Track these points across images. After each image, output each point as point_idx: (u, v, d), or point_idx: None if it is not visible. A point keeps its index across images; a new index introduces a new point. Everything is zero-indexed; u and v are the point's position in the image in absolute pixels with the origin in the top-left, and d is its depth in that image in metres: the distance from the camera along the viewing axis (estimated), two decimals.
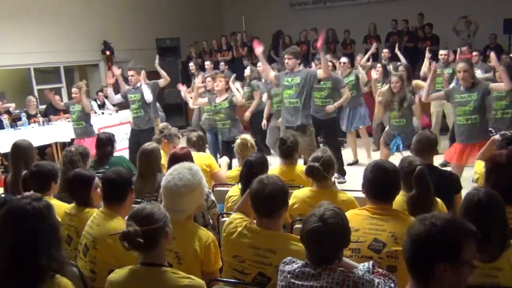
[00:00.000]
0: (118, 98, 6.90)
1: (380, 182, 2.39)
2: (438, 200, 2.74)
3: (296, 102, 5.34)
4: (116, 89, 7.23)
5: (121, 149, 7.94)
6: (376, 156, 6.59)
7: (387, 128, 5.94)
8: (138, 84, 6.55)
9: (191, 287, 1.94)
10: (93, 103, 8.87)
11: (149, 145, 3.82)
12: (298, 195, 3.18)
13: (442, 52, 7.30)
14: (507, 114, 5.13)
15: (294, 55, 5.34)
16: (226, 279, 2.31)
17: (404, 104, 5.45)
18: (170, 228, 2.06)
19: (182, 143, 5.11)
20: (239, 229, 2.34)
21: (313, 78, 5.33)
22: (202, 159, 4.23)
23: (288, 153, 3.83)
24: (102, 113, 9.25)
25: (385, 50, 8.56)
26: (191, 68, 9.35)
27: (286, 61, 5.39)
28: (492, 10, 9.69)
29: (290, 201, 3.16)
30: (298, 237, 2.28)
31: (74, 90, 6.83)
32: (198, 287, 1.96)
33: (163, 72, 6.84)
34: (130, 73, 6.62)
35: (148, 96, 6.49)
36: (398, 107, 5.47)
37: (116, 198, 2.70)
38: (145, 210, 2.02)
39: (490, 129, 5.09)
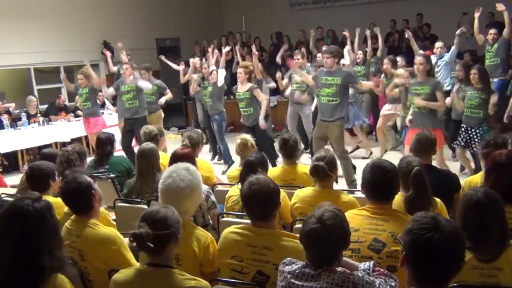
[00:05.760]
0: (111, 91, 7.33)
1: (379, 182, 2.39)
2: (438, 200, 2.75)
3: (334, 100, 5.44)
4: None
5: (121, 149, 7.93)
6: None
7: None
8: (131, 77, 6.90)
9: None
10: None
11: (147, 145, 3.81)
12: (300, 194, 3.18)
13: (438, 45, 7.72)
14: (476, 114, 5.49)
15: (332, 54, 5.42)
16: (226, 279, 2.30)
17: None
18: (181, 234, 2.03)
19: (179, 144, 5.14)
20: (236, 229, 2.35)
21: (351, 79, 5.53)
22: (201, 168, 3.71)
23: (291, 153, 3.90)
24: (102, 113, 9.24)
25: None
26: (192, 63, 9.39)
27: (324, 60, 5.47)
28: (491, 10, 9.66)
29: (292, 200, 3.17)
30: (295, 234, 2.28)
31: (79, 76, 7.29)
32: None
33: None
34: (125, 66, 7.02)
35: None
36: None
37: (82, 210, 2.56)
38: (159, 213, 1.97)
39: (463, 125, 5.59)
